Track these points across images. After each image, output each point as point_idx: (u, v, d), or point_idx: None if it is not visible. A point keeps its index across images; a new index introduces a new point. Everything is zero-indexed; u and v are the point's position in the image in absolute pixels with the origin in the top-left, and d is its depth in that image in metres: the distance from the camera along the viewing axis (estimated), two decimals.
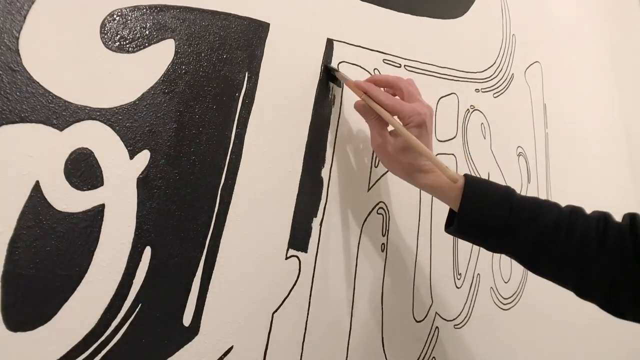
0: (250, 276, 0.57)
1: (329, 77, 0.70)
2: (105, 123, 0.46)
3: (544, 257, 0.59)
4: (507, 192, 0.62)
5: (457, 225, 0.63)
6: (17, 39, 0.41)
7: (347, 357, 0.68)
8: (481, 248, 1.01)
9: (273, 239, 0.60)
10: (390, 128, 0.65)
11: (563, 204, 0.64)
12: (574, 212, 0.61)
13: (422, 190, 0.72)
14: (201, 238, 0.53)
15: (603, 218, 0.59)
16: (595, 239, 0.57)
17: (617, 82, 2.13)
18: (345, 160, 0.70)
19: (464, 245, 0.97)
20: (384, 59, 0.82)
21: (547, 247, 0.58)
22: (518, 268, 1.15)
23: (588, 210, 0.63)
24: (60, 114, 0.43)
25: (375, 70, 0.80)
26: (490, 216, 0.60)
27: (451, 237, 0.94)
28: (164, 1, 0.52)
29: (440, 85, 0.97)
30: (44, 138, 0.42)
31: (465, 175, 0.64)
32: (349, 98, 0.74)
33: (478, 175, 1.05)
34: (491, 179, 1.09)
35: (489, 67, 1.16)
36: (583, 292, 0.59)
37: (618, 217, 0.62)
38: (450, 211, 0.68)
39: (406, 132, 0.60)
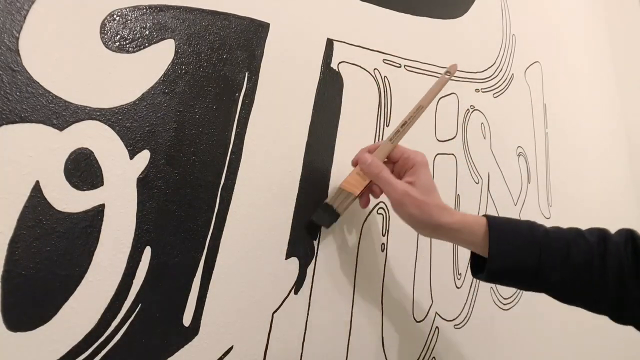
0: (250, 276, 0.57)
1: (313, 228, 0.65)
2: (105, 123, 0.46)
3: (578, 294, 0.58)
4: (532, 231, 0.61)
5: (487, 275, 0.61)
6: (17, 39, 0.41)
7: (347, 357, 0.68)
8: None
9: (273, 239, 0.60)
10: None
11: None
12: (602, 238, 0.59)
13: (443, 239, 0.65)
14: (201, 238, 0.53)
15: (629, 238, 0.58)
16: (628, 265, 0.56)
17: (618, 82, 2.13)
18: (346, 160, 0.70)
19: None
20: (384, 59, 0.83)
21: (580, 286, 0.57)
22: None
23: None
24: (60, 113, 0.43)
25: (376, 71, 0.80)
26: (521, 263, 0.58)
27: None
28: (164, 1, 0.52)
29: None
30: (44, 138, 0.42)
31: (487, 218, 0.62)
32: (349, 98, 0.74)
33: (477, 175, 1.05)
34: (491, 179, 1.09)
35: (489, 67, 1.16)
36: (620, 320, 0.58)
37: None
38: (473, 254, 0.66)
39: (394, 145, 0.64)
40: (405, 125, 0.66)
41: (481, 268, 0.63)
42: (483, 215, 0.63)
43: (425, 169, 0.63)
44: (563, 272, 0.58)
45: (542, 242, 0.59)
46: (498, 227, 0.61)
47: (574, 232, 0.61)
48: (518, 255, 0.59)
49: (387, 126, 0.81)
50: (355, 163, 0.66)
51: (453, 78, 1.02)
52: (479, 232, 0.61)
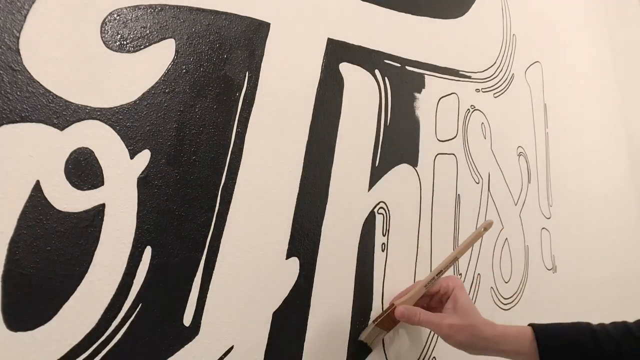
0: (250, 276, 0.57)
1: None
2: (105, 123, 0.46)
3: None
4: (579, 339, 0.63)
5: None
6: (18, 38, 0.41)
7: (347, 357, 0.68)
8: (481, 247, 1.02)
9: (273, 239, 0.60)
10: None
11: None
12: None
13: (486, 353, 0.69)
14: (201, 238, 0.53)
15: None
16: None
17: (618, 82, 2.13)
18: (346, 160, 0.70)
19: None
20: (384, 59, 0.82)
21: None
22: (518, 268, 1.15)
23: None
24: (60, 113, 0.43)
25: (376, 71, 0.80)
26: None
27: (452, 236, 0.94)
28: (164, 1, 0.52)
29: (440, 85, 0.97)
30: (44, 137, 0.42)
31: (533, 327, 0.65)
32: (350, 98, 0.74)
33: (477, 175, 1.05)
34: (491, 179, 1.09)
35: (489, 67, 1.16)
36: None
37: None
38: None
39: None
40: (440, 273, 0.71)
41: None
42: (529, 325, 0.67)
43: (463, 291, 0.69)
44: None
45: (591, 347, 0.62)
46: (546, 336, 0.64)
47: (622, 330, 0.63)
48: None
49: (388, 126, 0.81)
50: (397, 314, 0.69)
51: (453, 78, 1.02)
52: (525, 340, 0.65)
